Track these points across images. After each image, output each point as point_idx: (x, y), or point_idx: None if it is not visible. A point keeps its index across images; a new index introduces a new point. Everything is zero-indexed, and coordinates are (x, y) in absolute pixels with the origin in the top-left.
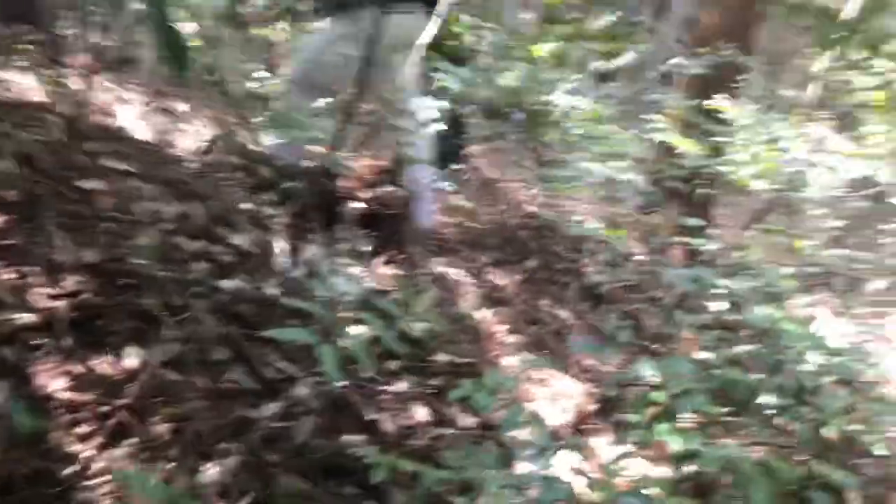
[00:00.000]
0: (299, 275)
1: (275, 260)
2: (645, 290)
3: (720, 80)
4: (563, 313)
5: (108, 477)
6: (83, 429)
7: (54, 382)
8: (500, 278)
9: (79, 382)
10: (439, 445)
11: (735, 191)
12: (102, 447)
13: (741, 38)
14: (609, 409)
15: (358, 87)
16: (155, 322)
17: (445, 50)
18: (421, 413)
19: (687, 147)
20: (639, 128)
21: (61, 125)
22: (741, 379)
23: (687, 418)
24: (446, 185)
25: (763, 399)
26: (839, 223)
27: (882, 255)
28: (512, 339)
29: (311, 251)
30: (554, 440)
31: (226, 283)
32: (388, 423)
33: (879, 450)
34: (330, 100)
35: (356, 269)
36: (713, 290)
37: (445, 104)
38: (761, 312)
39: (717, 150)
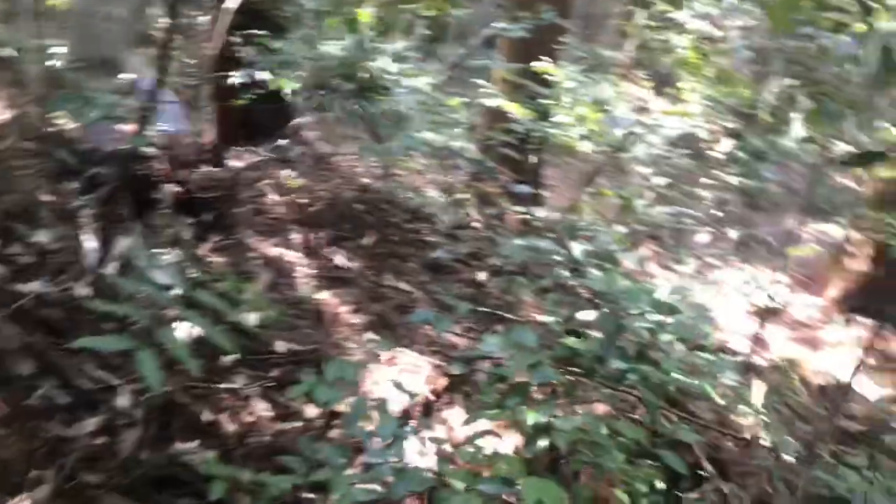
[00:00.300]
0: (112, 272)
1: (83, 257)
2: (485, 258)
3: (541, 42)
4: (406, 287)
5: None
6: None
7: None
8: (338, 256)
9: None
10: (284, 442)
11: (565, 153)
12: None
13: (558, 1)
14: (459, 384)
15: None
16: None
17: (263, 16)
18: (262, 408)
19: (516, 111)
20: (468, 93)
21: None
22: (584, 346)
23: (537, 391)
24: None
25: (608, 364)
26: (664, 180)
27: (706, 209)
28: (356, 319)
29: (125, 244)
30: (405, 422)
31: (27, 287)
32: (227, 424)
33: (711, 398)
34: (124, 76)
35: (178, 260)
36: (551, 256)
37: (266, 76)
38: (599, 275)
39: (544, 114)
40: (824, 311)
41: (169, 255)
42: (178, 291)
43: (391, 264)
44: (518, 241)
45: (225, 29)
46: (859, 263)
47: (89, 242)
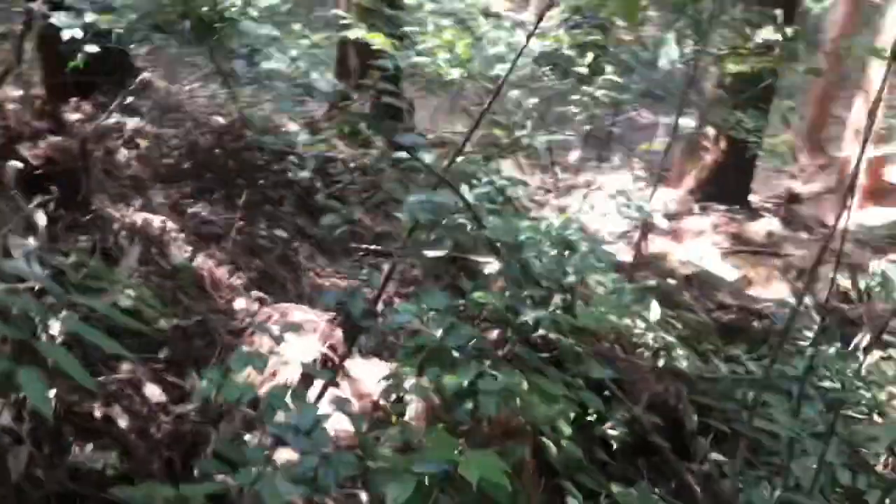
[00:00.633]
0: None
1: None
2: (360, 191)
3: None
4: (284, 234)
5: None
6: None
7: None
8: (207, 211)
9: None
10: (184, 428)
11: (433, 83)
12: None
13: None
14: (353, 335)
15: None
16: None
17: None
18: (156, 394)
19: (381, 42)
20: (322, 22)
21: None
22: (493, 299)
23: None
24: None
25: (520, 315)
26: (535, 100)
27: (578, 125)
28: (237, 279)
29: None
30: (308, 385)
31: None
32: (121, 418)
33: (619, 328)
34: None
35: (34, 247)
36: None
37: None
38: (496, 221)
39: (403, 40)
40: (682, 202)
41: (22, 243)
42: (38, 280)
43: (264, 211)
44: (414, 198)
45: None
46: (711, 155)
47: None
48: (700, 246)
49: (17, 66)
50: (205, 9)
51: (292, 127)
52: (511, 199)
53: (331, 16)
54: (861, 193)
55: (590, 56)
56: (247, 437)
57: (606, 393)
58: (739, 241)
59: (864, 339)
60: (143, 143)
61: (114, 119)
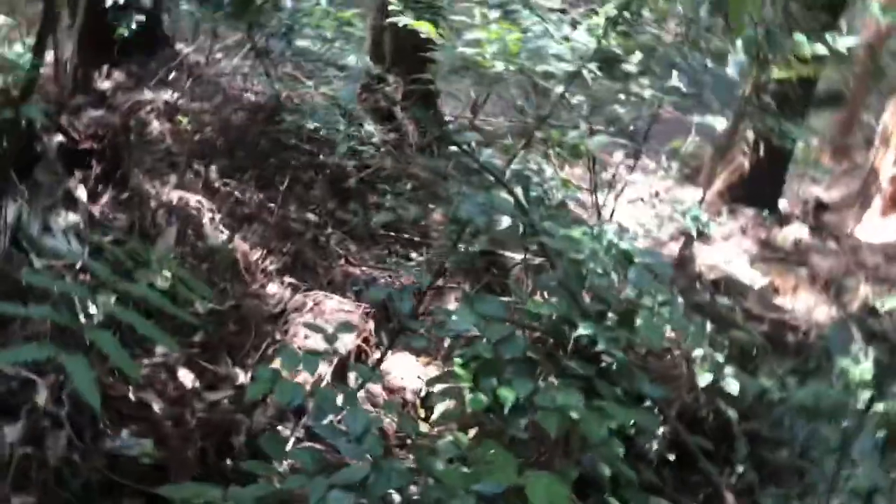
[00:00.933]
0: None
1: None
2: (393, 178)
3: None
4: (315, 218)
5: None
6: None
7: None
8: (240, 190)
9: None
10: (215, 417)
11: (476, 73)
12: None
13: None
14: (397, 335)
15: None
16: None
17: None
18: (189, 379)
19: (428, 30)
20: (363, 5)
21: None
22: (550, 310)
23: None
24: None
25: (576, 329)
26: (581, 98)
27: (624, 126)
28: (269, 262)
29: (12, 211)
30: (342, 378)
31: None
32: (155, 402)
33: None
34: None
35: (73, 223)
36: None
37: None
38: (553, 228)
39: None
40: (711, 203)
41: (63, 218)
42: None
43: (296, 193)
44: (469, 201)
45: None
46: (746, 158)
47: None
48: (728, 250)
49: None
50: None
51: (324, 107)
52: (565, 205)
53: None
54: (884, 201)
55: (638, 55)
56: (279, 427)
57: (648, 404)
58: (767, 247)
59: None
60: (182, 119)
61: (150, 93)
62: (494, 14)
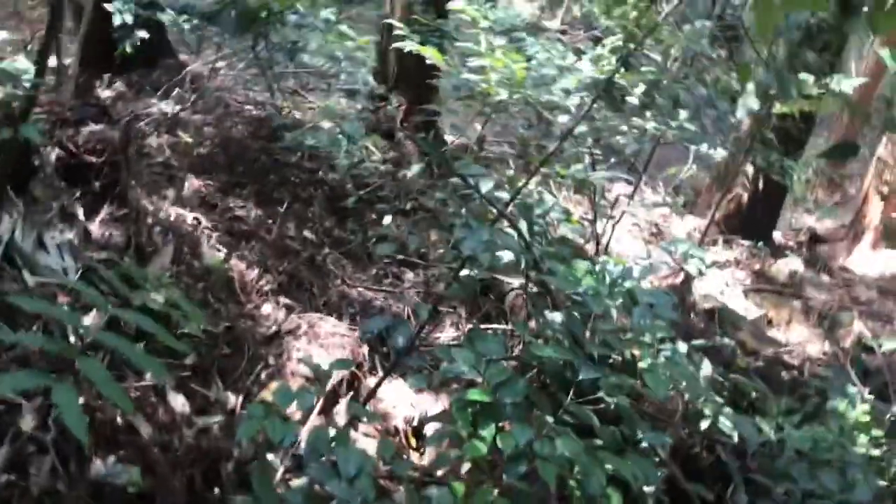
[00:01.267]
0: None
1: None
2: (390, 198)
3: None
4: (312, 236)
5: None
6: None
7: None
8: (238, 207)
9: None
10: (204, 443)
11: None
12: None
13: None
14: (392, 367)
15: None
16: None
17: None
18: (179, 403)
19: (435, 57)
20: (371, 24)
21: None
22: (552, 353)
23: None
24: None
25: (578, 373)
26: (584, 128)
27: (625, 158)
28: (265, 282)
29: (6, 225)
30: (335, 402)
31: None
32: (143, 427)
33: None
34: None
35: (68, 239)
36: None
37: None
38: (557, 267)
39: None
40: (707, 232)
41: (58, 234)
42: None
43: (294, 210)
44: (471, 239)
45: None
46: (743, 190)
47: None
48: (722, 280)
49: (56, 37)
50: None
51: (326, 125)
52: (567, 238)
53: (376, 18)
54: (875, 234)
55: (642, 87)
56: (269, 455)
57: (646, 446)
58: (762, 279)
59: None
60: (184, 136)
61: (151, 105)
62: (500, 41)
